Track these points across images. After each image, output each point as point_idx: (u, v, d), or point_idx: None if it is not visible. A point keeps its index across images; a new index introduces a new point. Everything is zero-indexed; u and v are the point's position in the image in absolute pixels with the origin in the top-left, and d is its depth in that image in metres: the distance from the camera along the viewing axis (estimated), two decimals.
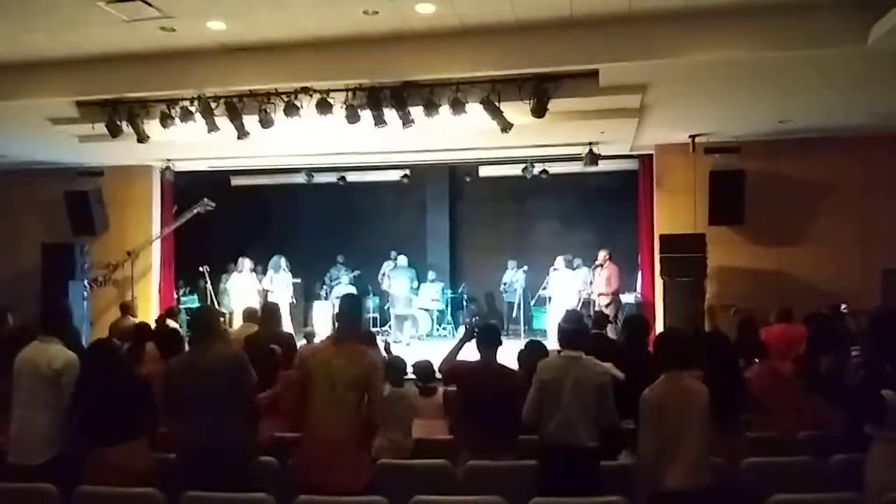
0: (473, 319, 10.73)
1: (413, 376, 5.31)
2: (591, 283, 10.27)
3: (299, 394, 3.66)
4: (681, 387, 3.56)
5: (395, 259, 12.27)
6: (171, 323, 8.15)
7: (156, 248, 10.92)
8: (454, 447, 4.27)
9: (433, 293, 12.15)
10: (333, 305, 11.24)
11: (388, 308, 11.88)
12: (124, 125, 7.71)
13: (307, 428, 3.58)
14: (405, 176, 11.67)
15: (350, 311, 3.87)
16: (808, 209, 9.25)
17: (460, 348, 4.45)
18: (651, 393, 3.56)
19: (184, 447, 3.69)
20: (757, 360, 5.11)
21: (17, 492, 3.47)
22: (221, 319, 4.09)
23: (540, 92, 6.72)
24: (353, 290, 11.68)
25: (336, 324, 3.84)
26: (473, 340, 4.38)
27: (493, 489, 3.37)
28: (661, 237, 9.14)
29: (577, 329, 4.27)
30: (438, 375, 4.75)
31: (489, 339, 4.32)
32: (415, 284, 12.10)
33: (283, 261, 11.16)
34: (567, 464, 3.76)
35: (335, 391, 3.52)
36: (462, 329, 11.54)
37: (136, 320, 8.39)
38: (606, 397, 3.94)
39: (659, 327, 8.94)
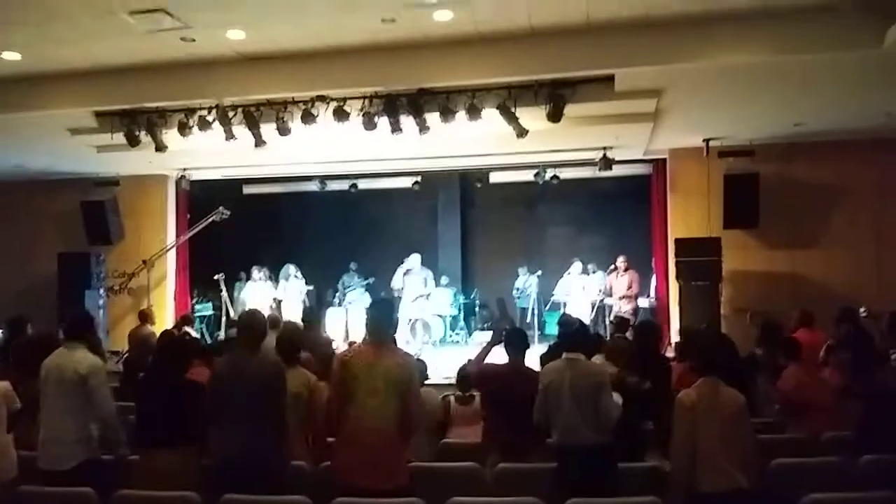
0: (494, 324, 10.62)
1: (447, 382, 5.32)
2: (609, 288, 10.29)
3: (337, 397, 3.65)
4: (716, 392, 3.54)
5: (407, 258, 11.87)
6: (187, 330, 8.21)
7: (171, 256, 10.98)
8: (483, 450, 4.28)
9: (446, 298, 12.12)
10: (347, 311, 11.27)
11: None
12: (142, 135, 7.79)
13: (348, 429, 3.59)
14: (416, 182, 11.68)
15: (383, 315, 3.88)
16: (822, 212, 9.25)
17: (488, 352, 4.48)
18: (686, 397, 3.55)
19: (221, 452, 3.69)
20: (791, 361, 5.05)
21: (55, 496, 3.49)
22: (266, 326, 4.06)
23: (556, 97, 6.76)
24: (367, 297, 11.67)
25: (368, 328, 3.84)
26: (501, 344, 4.41)
27: (522, 491, 3.38)
28: (677, 241, 9.15)
29: (577, 331, 4.29)
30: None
31: (517, 342, 4.37)
32: (429, 286, 11.85)
33: (293, 269, 11.20)
34: (576, 464, 3.79)
35: (378, 392, 3.54)
36: (476, 334, 11.57)
37: (154, 328, 8.47)
38: (604, 395, 3.93)
39: (675, 331, 8.95)
